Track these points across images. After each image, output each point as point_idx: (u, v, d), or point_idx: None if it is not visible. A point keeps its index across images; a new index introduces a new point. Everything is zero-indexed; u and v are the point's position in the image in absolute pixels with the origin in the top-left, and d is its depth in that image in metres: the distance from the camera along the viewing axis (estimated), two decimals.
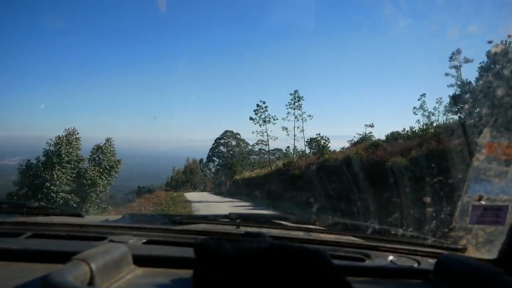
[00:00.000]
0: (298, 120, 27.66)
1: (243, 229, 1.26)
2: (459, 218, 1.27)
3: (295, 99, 27.83)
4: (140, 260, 0.90)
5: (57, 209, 1.48)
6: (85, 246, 0.88)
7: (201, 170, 55.16)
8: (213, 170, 57.78)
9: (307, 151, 28.33)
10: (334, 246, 1.17)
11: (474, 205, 1.22)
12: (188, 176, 50.34)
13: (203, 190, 44.66)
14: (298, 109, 27.64)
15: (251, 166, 49.43)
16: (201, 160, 57.76)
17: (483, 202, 1.20)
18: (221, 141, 58.38)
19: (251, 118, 30.66)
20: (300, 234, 1.27)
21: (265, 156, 54.81)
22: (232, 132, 58.63)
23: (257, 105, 30.71)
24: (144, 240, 1.11)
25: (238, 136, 58.36)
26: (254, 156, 56.01)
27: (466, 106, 13.83)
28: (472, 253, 1.19)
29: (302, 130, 27.51)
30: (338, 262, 0.98)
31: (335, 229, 1.27)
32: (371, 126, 32.03)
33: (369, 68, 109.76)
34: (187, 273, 0.86)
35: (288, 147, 43.29)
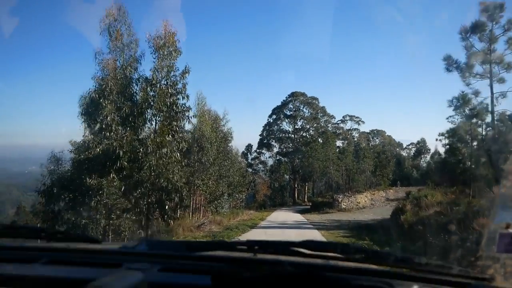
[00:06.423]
0: None
1: (260, 257, 1.26)
2: (486, 246, 1.23)
3: None
4: None
5: (75, 235, 1.52)
6: (101, 273, 0.89)
7: (248, 165, 28.31)
8: (269, 163, 30.66)
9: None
10: (355, 274, 1.15)
11: (502, 233, 1.18)
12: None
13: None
14: None
15: (334, 157, 25.66)
16: (248, 148, 29.81)
17: (511, 230, 1.17)
18: (284, 111, 30.48)
19: None
20: (319, 262, 1.26)
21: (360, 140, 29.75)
22: (304, 94, 30.60)
23: None
24: (160, 267, 1.10)
25: (316, 102, 30.54)
26: (340, 141, 30.57)
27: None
28: (500, 283, 1.15)
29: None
30: None
31: (356, 257, 1.25)
32: None
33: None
34: None
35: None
